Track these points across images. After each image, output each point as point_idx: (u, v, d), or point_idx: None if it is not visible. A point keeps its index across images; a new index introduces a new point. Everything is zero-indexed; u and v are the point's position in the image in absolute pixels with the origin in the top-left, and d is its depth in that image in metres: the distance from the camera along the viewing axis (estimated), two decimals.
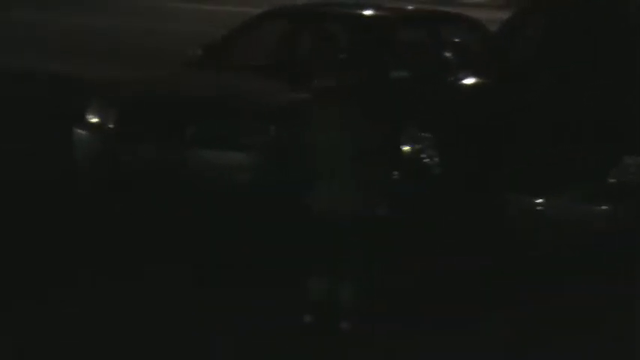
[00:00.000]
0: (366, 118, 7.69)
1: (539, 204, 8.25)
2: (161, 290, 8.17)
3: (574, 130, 8.44)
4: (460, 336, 7.52)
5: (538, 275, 8.18)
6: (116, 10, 25.13)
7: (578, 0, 10.62)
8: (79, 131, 10.22)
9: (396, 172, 8.74)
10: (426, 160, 8.51)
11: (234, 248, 9.09)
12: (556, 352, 7.25)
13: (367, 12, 12.28)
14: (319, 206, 7.37)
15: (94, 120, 10.16)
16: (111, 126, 10.01)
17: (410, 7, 15.53)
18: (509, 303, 7.93)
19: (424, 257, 8.53)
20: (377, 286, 7.89)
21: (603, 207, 8.12)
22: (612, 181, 8.13)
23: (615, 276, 7.96)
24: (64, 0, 26.26)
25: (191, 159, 9.69)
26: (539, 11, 10.48)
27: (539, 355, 7.19)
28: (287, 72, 10.85)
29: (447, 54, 10.96)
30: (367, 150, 7.49)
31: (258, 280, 8.30)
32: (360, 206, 7.38)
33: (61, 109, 11.20)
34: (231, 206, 9.54)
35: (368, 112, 7.76)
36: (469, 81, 9.96)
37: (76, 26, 21.78)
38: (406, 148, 8.78)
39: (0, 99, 14.01)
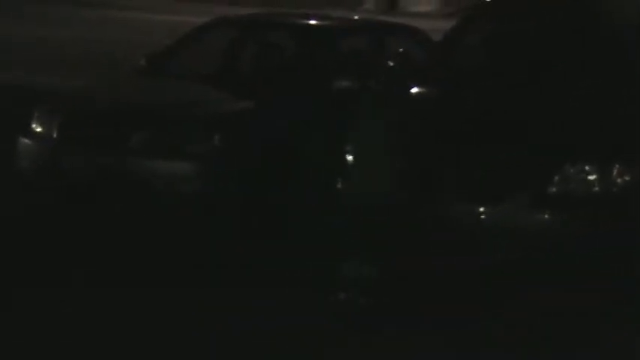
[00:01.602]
0: (309, 124, 7.70)
1: (482, 212, 8.26)
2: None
3: (515, 140, 8.44)
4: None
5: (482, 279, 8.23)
6: (62, 20, 25.07)
7: (519, 11, 10.59)
8: (24, 140, 10.21)
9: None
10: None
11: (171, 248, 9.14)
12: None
13: (310, 21, 12.38)
14: None
15: (39, 129, 10.17)
16: (54, 135, 10.01)
17: (355, 17, 15.62)
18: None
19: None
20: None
21: (545, 215, 8.17)
22: (554, 189, 8.16)
23: (557, 281, 8.00)
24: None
25: (133, 167, 9.74)
26: (480, 23, 10.51)
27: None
28: (229, 81, 10.93)
29: (391, 63, 11.14)
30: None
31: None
32: None
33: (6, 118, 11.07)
34: (169, 209, 9.66)
35: (308, 118, 7.88)
36: (412, 90, 9.94)
37: (24, 37, 21.70)
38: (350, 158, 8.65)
39: None
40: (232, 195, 9.57)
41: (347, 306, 7.83)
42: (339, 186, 8.49)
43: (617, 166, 8.17)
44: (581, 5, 10.29)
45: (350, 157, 8.34)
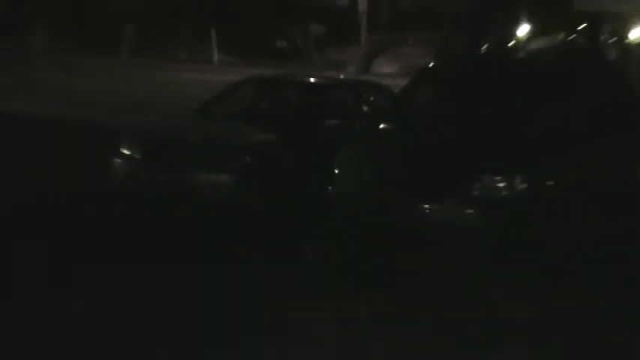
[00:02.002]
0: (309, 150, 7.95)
1: (429, 207, 8.38)
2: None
3: (449, 160, 8.44)
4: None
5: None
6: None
7: (445, 76, 10.66)
8: (116, 159, 10.28)
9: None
10: None
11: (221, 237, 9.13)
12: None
13: (312, 80, 12.54)
14: None
15: (126, 152, 10.25)
16: (137, 156, 10.13)
17: (341, 78, 15.90)
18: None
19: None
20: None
21: (468, 211, 8.21)
22: (475, 194, 8.20)
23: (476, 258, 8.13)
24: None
25: (188, 180, 9.74)
26: (424, 82, 10.53)
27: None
28: (254, 120, 10.75)
29: (365, 108, 11.22)
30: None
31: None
32: None
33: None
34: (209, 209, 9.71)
35: (310, 145, 8.08)
36: (380, 126, 9.94)
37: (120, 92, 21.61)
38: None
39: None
40: (253, 198, 9.68)
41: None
42: (331, 190, 8.46)
43: (516, 178, 8.20)
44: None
45: (338, 170, 8.35)
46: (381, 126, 9.98)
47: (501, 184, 8.26)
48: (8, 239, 8.81)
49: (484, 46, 31.13)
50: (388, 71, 27.24)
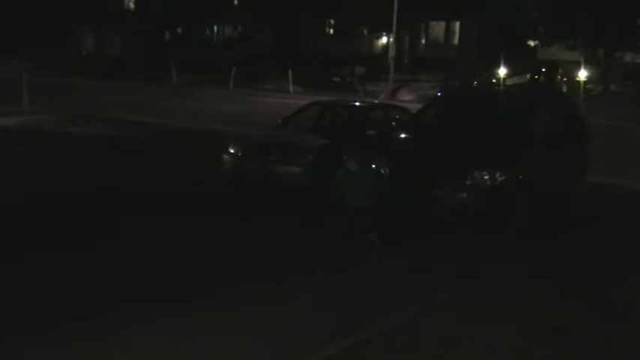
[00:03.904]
0: (359, 153, 7.65)
1: (436, 191, 8.11)
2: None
3: (450, 158, 8.31)
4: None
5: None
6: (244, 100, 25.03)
7: (448, 103, 10.53)
8: (226, 156, 10.19)
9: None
10: (384, 171, 8.24)
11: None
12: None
13: (357, 104, 12.47)
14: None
15: (232, 151, 10.17)
16: (239, 154, 10.03)
17: (376, 102, 15.76)
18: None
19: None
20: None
21: (463, 195, 7.98)
22: (468, 182, 7.98)
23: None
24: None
25: (273, 170, 9.60)
26: (433, 106, 10.34)
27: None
28: (317, 130, 10.70)
29: (393, 123, 11.18)
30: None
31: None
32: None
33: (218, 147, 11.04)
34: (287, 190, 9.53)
35: (359, 149, 7.98)
36: (403, 135, 9.94)
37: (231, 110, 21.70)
38: (374, 166, 8.46)
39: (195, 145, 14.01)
40: (315, 183, 9.39)
41: None
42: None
43: (498, 173, 8.01)
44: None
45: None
46: (403, 135, 9.92)
47: (486, 177, 8.06)
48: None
49: (474, 82, 30.87)
50: (408, 99, 26.96)
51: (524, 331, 5.30)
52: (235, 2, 38.80)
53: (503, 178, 8.08)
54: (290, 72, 31.16)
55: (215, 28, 44.15)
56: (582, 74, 29.52)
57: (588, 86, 30.70)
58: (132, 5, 42.21)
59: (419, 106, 12.42)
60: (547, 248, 7.75)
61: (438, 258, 7.19)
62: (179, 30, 43.20)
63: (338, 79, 33.59)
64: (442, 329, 5.28)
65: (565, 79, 33.73)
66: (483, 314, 5.62)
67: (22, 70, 18.96)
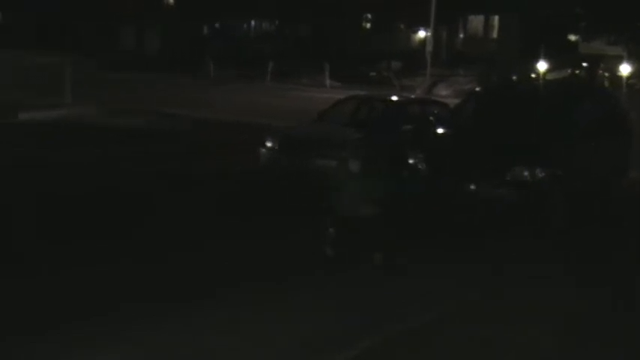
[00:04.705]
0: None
1: (473, 187, 8.08)
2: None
3: (491, 152, 8.20)
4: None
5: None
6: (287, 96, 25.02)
7: (484, 98, 10.47)
8: (262, 149, 10.24)
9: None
10: (421, 166, 8.28)
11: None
12: None
13: (394, 98, 12.45)
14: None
15: (269, 144, 10.21)
16: (276, 147, 10.11)
17: (413, 97, 15.67)
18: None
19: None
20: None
21: (502, 190, 7.88)
22: (507, 178, 7.90)
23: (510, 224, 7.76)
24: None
25: (309, 164, 9.54)
26: (472, 101, 10.24)
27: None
28: (352, 124, 10.63)
29: (430, 118, 10.98)
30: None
31: None
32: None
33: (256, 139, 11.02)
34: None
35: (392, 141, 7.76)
36: (440, 130, 9.89)
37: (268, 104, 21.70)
38: (411, 161, 8.56)
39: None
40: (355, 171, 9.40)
41: None
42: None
43: (538, 169, 7.94)
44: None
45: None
46: (441, 129, 9.79)
47: (526, 173, 7.94)
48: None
49: (513, 77, 30.44)
50: (445, 94, 26.67)
51: (561, 332, 5.17)
52: None
53: (543, 174, 7.97)
54: (326, 66, 31.08)
55: (252, 22, 44.35)
56: (625, 69, 28.86)
57: (631, 81, 29.95)
58: (171, 1, 42.65)
59: (456, 101, 12.39)
60: (586, 247, 7.62)
61: (473, 257, 6.98)
62: (217, 25, 43.51)
63: (374, 74, 33.42)
64: (474, 329, 5.15)
65: (607, 74, 32.94)
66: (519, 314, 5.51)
67: (66, 63, 19.30)
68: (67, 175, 9.85)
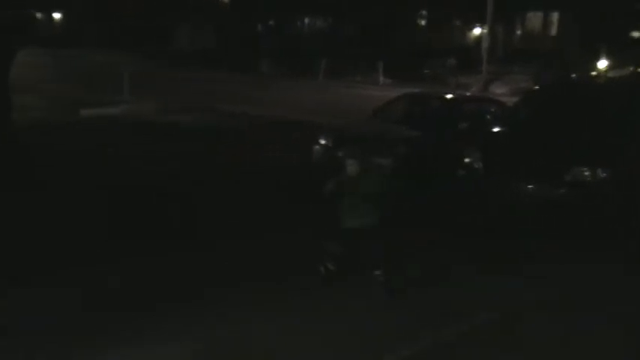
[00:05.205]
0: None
1: (530, 188, 7.96)
2: None
3: (549, 152, 8.07)
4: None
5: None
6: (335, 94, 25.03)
7: (541, 96, 10.25)
8: (316, 147, 10.34)
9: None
10: (477, 164, 8.21)
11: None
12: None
13: (449, 96, 12.24)
14: None
15: (323, 142, 10.30)
16: (330, 145, 10.04)
17: (468, 94, 15.42)
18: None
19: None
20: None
21: (561, 190, 7.78)
22: (567, 178, 7.79)
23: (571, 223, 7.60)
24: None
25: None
26: (529, 99, 10.07)
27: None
28: (408, 122, 10.57)
29: (487, 116, 10.92)
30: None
31: None
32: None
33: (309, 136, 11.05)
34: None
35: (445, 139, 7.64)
36: (496, 127, 9.74)
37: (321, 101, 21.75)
38: (467, 160, 8.48)
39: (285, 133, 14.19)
40: (403, 169, 9.32)
41: None
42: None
43: (599, 169, 7.77)
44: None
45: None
46: (496, 127, 9.68)
47: (587, 173, 7.77)
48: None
49: (572, 75, 29.71)
50: (502, 92, 26.21)
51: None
52: None
53: (604, 175, 7.79)
54: (380, 64, 30.93)
55: (306, 20, 44.51)
56: None
57: None
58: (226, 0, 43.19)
59: (513, 99, 12.12)
60: None
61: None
62: (271, 22, 43.83)
63: (428, 71, 33.08)
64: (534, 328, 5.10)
65: None
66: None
67: (124, 61, 19.77)
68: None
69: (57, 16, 48.37)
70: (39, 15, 43.97)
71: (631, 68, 35.12)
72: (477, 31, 39.73)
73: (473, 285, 5.97)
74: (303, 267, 5.98)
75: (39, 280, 5.64)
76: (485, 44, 29.14)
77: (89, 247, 6.46)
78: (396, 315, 5.28)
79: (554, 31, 41.74)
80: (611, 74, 30.44)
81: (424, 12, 42.03)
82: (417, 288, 5.82)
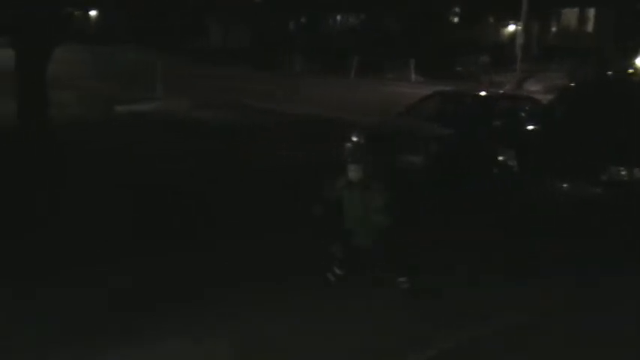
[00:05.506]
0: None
1: (565, 186, 7.96)
2: None
3: (585, 149, 8.02)
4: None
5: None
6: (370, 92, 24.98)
7: (576, 92, 10.14)
8: (348, 144, 10.27)
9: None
10: (512, 163, 8.14)
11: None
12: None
13: (482, 93, 12.19)
14: None
15: (355, 139, 10.23)
16: (362, 141, 10.08)
17: (502, 92, 15.26)
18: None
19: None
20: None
21: (597, 190, 7.77)
22: (603, 177, 7.76)
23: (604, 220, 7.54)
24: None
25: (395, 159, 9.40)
26: (565, 97, 10.00)
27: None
28: (441, 120, 10.47)
29: (522, 114, 10.77)
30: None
31: None
32: None
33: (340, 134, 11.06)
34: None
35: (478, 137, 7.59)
36: (531, 126, 9.67)
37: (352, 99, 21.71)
38: (501, 158, 8.46)
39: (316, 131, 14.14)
40: (435, 167, 9.34)
41: None
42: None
43: (636, 169, 7.69)
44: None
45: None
46: (531, 125, 9.68)
47: (623, 172, 7.69)
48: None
49: (608, 72, 29.18)
50: (536, 89, 25.85)
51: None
52: None
53: None
54: (412, 61, 30.82)
55: (338, 17, 44.47)
56: None
57: None
58: None
59: (548, 97, 11.99)
60: None
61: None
62: (303, 19, 43.91)
63: (460, 69, 32.80)
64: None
65: None
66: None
67: (158, 58, 19.98)
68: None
69: (93, 13, 49.18)
70: (76, 12, 44.73)
71: None
72: (511, 27, 39.24)
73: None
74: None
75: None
76: (519, 41, 28.79)
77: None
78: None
79: (590, 27, 41.01)
80: None
81: (457, 9, 41.66)
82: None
